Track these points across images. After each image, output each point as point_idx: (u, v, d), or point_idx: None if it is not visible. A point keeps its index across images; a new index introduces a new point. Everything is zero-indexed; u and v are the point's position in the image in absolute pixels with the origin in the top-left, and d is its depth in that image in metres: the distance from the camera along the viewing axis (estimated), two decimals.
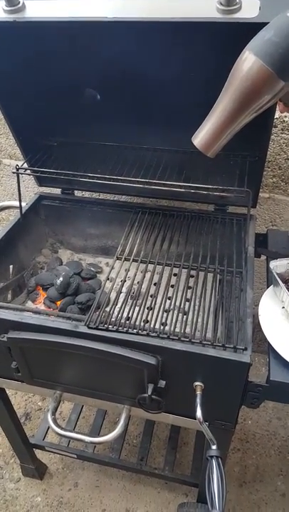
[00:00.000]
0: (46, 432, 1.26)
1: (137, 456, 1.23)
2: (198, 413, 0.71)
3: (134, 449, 1.36)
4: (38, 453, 1.29)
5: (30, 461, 1.25)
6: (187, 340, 0.73)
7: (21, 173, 0.98)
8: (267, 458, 1.35)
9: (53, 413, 0.86)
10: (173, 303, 0.84)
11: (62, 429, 0.83)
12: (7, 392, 1.06)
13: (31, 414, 1.49)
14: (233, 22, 0.67)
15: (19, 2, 0.75)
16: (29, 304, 1.04)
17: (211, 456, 0.72)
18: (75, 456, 1.21)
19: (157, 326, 0.76)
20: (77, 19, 0.73)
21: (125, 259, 0.96)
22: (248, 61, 0.60)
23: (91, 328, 0.75)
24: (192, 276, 0.92)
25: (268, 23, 0.58)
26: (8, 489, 1.31)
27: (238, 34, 0.65)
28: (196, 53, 0.75)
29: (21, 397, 1.54)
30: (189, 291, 0.88)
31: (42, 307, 1.00)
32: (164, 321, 0.79)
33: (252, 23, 0.65)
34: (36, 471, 1.29)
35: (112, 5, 0.73)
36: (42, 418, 1.45)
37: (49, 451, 1.24)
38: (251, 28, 0.61)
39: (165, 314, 0.81)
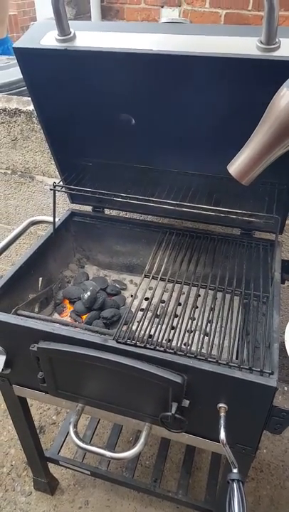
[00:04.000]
0: (61, 446, 1.26)
1: (150, 478, 1.21)
2: (222, 435, 0.71)
3: (146, 470, 1.35)
4: (51, 467, 1.29)
5: (43, 475, 1.25)
6: (214, 361, 0.74)
7: (58, 190, 1.03)
8: (282, 490, 1.31)
9: (75, 426, 0.87)
10: (197, 324, 0.86)
11: (83, 442, 0.84)
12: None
13: (45, 428, 1.49)
14: (272, 59, 0.71)
15: (71, 32, 0.81)
16: (56, 316, 1.06)
17: (232, 480, 0.71)
18: (89, 473, 1.20)
19: (181, 346, 0.78)
20: (123, 50, 0.79)
21: (152, 278, 0.98)
22: (286, 97, 0.64)
23: (120, 342, 0.77)
24: (216, 299, 0.93)
25: None
26: (19, 502, 1.31)
27: (276, 71, 0.69)
28: (233, 87, 0.79)
29: (36, 410, 1.55)
30: (214, 312, 0.89)
31: (68, 320, 1.03)
32: (186, 341, 0.80)
33: None
34: (48, 485, 1.28)
35: (157, 39, 0.79)
36: (56, 432, 1.46)
37: (63, 465, 1.24)
38: None
39: (188, 334, 0.82)
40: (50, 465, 1.27)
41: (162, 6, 2.60)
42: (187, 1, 2.50)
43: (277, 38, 0.71)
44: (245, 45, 0.73)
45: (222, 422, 0.72)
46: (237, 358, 0.81)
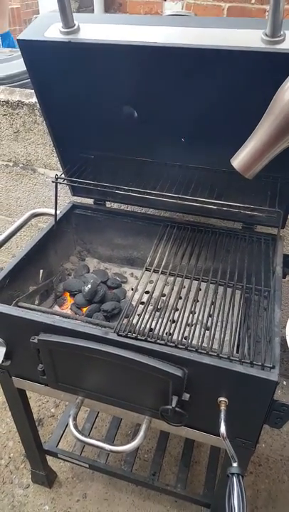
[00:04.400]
0: (60, 439, 1.27)
1: (148, 471, 1.22)
2: (222, 429, 0.71)
3: (144, 464, 1.35)
4: (49, 460, 1.29)
5: (42, 467, 1.25)
6: (215, 354, 0.73)
7: (59, 183, 1.02)
8: (280, 484, 1.32)
9: (74, 419, 0.87)
10: (198, 317, 0.85)
11: (83, 435, 0.84)
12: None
13: (44, 421, 1.50)
14: (277, 52, 0.70)
15: (74, 24, 0.80)
16: (56, 309, 1.06)
17: (232, 474, 0.72)
18: (87, 466, 1.21)
19: (182, 340, 0.77)
20: (127, 43, 0.78)
21: (154, 271, 0.98)
22: None
23: (121, 335, 0.77)
24: (217, 292, 0.93)
25: None
26: (17, 495, 1.31)
27: (281, 64, 0.68)
28: (238, 80, 0.78)
29: (34, 403, 1.55)
30: (214, 306, 0.89)
31: (69, 312, 1.03)
32: (187, 334, 0.80)
33: None
34: (46, 478, 1.29)
35: (162, 31, 0.78)
36: (55, 425, 1.46)
37: (61, 458, 1.24)
38: None
39: (188, 328, 0.82)
40: (48, 458, 1.27)
41: (165, 0, 2.58)
42: None
43: (282, 30, 0.70)
44: (250, 38, 0.72)
45: (222, 415, 0.72)
46: (238, 352, 0.81)
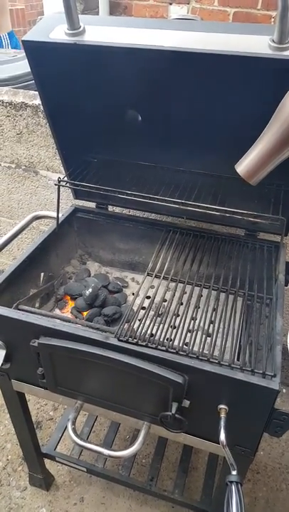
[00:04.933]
0: (58, 443, 1.26)
1: (146, 476, 1.21)
2: (222, 436, 0.71)
3: (142, 469, 1.34)
4: (47, 463, 1.28)
5: (39, 470, 1.25)
6: (216, 362, 0.73)
7: (62, 185, 1.02)
8: (278, 492, 1.31)
9: (73, 423, 0.86)
10: (198, 324, 0.85)
11: (81, 439, 0.84)
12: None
13: (42, 424, 1.49)
14: (284, 59, 0.70)
15: (80, 26, 0.80)
16: (57, 312, 1.06)
17: (231, 482, 0.71)
18: (85, 470, 1.20)
19: (183, 346, 0.77)
20: (133, 46, 0.78)
21: (155, 276, 0.97)
22: None
23: (121, 340, 0.76)
24: (219, 299, 0.93)
25: None
26: (14, 497, 1.30)
27: (288, 71, 0.68)
28: (244, 86, 0.78)
29: (33, 406, 1.55)
30: (216, 313, 0.89)
31: (69, 316, 1.02)
32: (187, 341, 0.79)
33: None
34: (44, 481, 1.28)
35: (168, 35, 0.78)
36: (53, 428, 1.45)
37: (59, 462, 1.23)
38: None
39: (189, 334, 0.81)
40: (46, 461, 1.27)
41: (171, 3, 2.59)
42: None
43: None
44: (257, 44, 0.72)
45: (222, 423, 0.72)
46: (239, 360, 0.81)
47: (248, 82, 0.77)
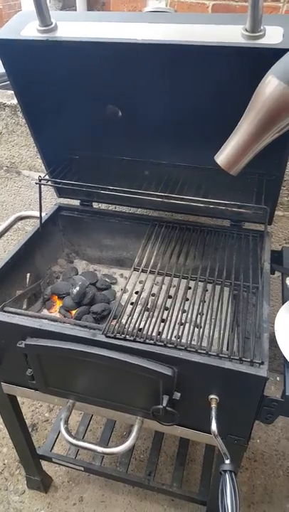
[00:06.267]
0: (54, 443, 1.26)
1: (144, 471, 1.21)
2: (214, 426, 0.71)
3: (140, 464, 1.35)
4: (44, 465, 1.28)
5: (36, 472, 1.24)
6: (204, 352, 0.73)
7: (43, 184, 1.01)
8: (275, 478, 1.33)
9: (66, 422, 0.86)
10: (187, 316, 0.85)
11: (74, 438, 0.83)
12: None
13: (38, 426, 1.48)
14: (257, 47, 0.70)
15: (52, 22, 0.79)
16: (44, 312, 1.05)
17: (225, 471, 0.71)
18: (82, 469, 1.20)
19: (171, 339, 0.77)
20: (106, 40, 0.77)
21: (142, 271, 0.97)
22: (271, 84, 0.63)
23: (109, 337, 0.76)
24: (207, 290, 0.93)
25: None
26: (13, 502, 1.30)
27: (261, 59, 0.68)
28: (220, 76, 0.78)
29: (28, 408, 1.54)
30: (204, 304, 0.89)
31: (57, 315, 1.02)
32: (177, 333, 0.79)
33: (275, 48, 0.68)
34: (41, 483, 1.27)
35: (142, 28, 0.77)
36: (49, 429, 1.44)
37: (56, 462, 1.23)
38: (274, 54, 0.64)
39: (178, 327, 0.81)
40: (44, 462, 1.26)
41: None
42: None
43: (261, 25, 0.70)
44: (231, 33, 0.72)
45: (213, 413, 0.72)
46: (228, 349, 0.81)
47: (224, 71, 0.76)
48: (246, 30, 0.70)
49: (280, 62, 0.63)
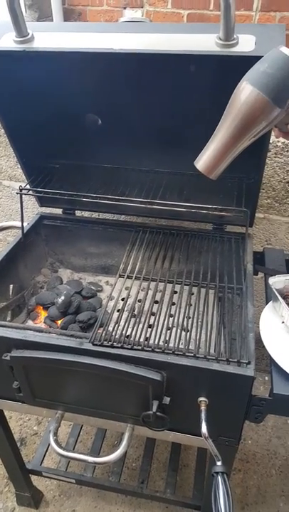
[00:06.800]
0: (44, 457, 1.23)
1: (137, 480, 1.20)
2: (204, 429, 0.71)
3: (133, 473, 1.33)
4: (34, 479, 1.25)
5: (26, 488, 1.21)
6: (192, 355, 0.74)
7: (24, 194, 1.00)
8: (268, 478, 1.33)
9: (55, 434, 0.85)
10: (174, 320, 0.86)
11: (64, 449, 0.82)
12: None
13: (26, 440, 1.45)
14: (230, 55, 0.72)
15: (28, 33, 0.79)
16: (29, 323, 1.03)
17: (217, 473, 0.72)
18: (74, 481, 1.18)
19: (159, 343, 0.77)
20: (82, 50, 0.78)
21: (127, 277, 0.97)
22: (246, 91, 0.65)
23: (96, 345, 0.75)
24: (193, 294, 0.94)
25: (262, 56, 0.63)
26: None
27: (235, 66, 0.70)
28: (196, 84, 0.79)
29: (16, 422, 1.50)
30: (190, 308, 0.90)
31: (42, 326, 1.00)
32: (164, 338, 0.80)
33: (248, 56, 0.70)
34: (32, 499, 1.24)
35: (117, 38, 0.78)
36: (38, 443, 1.41)
37: (46, 476, 1.20)
38: (247, 61, 0.66)
39: (165, 331, 0.82)
40: (34, 477, 1.23)
41: (125, 8, 2.60)
42: (149, 2, 2.52)
43: (235, 34, 0.72)
44: (205, 42, 0.74)
45: (203, 415, 0.72)
46: (215, 351, 0.82)
47: (200, 79, 0.78)
48: (220, 39, 0.72)
49: (253, 70, 0.65)
